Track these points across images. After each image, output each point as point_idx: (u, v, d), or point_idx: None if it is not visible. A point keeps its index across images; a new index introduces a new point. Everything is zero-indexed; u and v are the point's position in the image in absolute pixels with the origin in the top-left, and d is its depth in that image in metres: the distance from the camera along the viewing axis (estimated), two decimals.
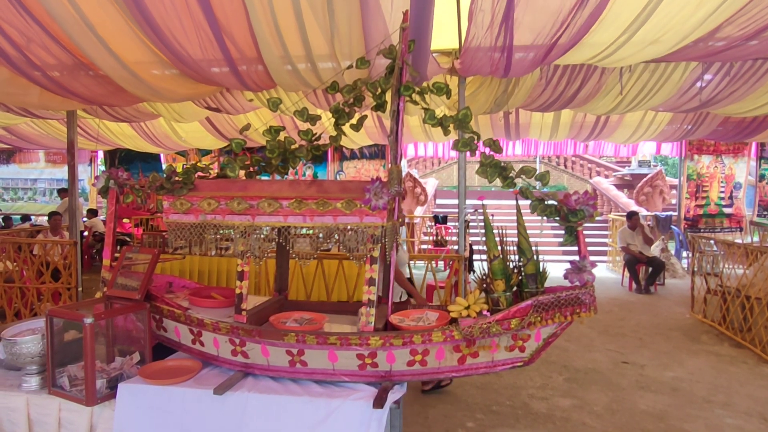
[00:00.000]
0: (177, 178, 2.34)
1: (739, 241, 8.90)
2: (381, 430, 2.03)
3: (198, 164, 2.42)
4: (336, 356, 2.17)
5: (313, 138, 2.66)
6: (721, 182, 10.76)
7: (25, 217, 12.88)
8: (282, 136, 2.60)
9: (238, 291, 2.31)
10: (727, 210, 10.79)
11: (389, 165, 2.25)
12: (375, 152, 11.84)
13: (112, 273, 2.50)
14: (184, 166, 2.37)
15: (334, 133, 2.73)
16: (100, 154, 13.81)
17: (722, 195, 10.78)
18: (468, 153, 2.35)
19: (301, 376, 2.25)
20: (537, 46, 3.68)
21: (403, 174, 2.24)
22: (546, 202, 2.19)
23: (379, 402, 2.05)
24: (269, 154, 2.56)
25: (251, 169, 2.76)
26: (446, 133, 2.44)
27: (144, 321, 2.39)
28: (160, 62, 4.02)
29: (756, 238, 10.53)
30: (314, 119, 2.60)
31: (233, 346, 2.28)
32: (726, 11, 3.27)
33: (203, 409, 2.14)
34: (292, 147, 2.64)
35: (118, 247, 2.66)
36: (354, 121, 2.68)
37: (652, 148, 11.89)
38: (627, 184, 15.85)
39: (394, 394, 2.14)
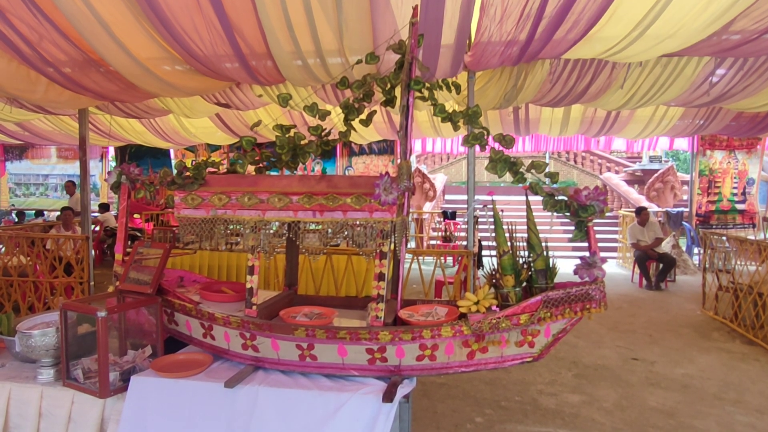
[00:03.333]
0: (188, 174, 2.36)
1: (751, 237, 8.81)
2: (390, 424, 2.04)
3: (208, 160, 2.43)
4: (345, 350, 2.19)
5: (323, 134, 2.66)
6: (734, 178, 10.62)
7: (39, 213, 13.05)
8: (292, 132, 2.61)
9: (248, 285, 2.32)
10: (739, 206, 10.66)
11: (398, 160, 2.25)
12: (384, 147, 11.84)
13: (125, 267, 2.53)
14: (194, 162, 2.39)
15: (343, 129, 2.74)
16: (111, 150, 13.92)
17: (735, 191, 10.65)
18: (477, 148, 2.35)
19: (310, 370, 2.26)
20: (544, 38, 3.65)
21: (412, 169, 2.24)
22: (556, 198, 2.18)
23: (388, 396, 2.06)
24: (279, 150, 2.57)
25: (261, 164, 2.77)
26: (456, 128, 2.44)
27: (156, 315, 2.42)
28: (170, 58, 4.05)
29: None
30: (324, 115, 2.61)
31: (244, 340, 2.29)
32: (739, 5, 3.23)
33: (214, 402, 2.17)
34: (302, 143, 2.64)
35: (130, 242, 2.70)
36: (363, 116, 2.68)
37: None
38: (638, 180, 15.72)
39: (404, 389, 2.15)
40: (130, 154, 12.64)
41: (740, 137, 10.15)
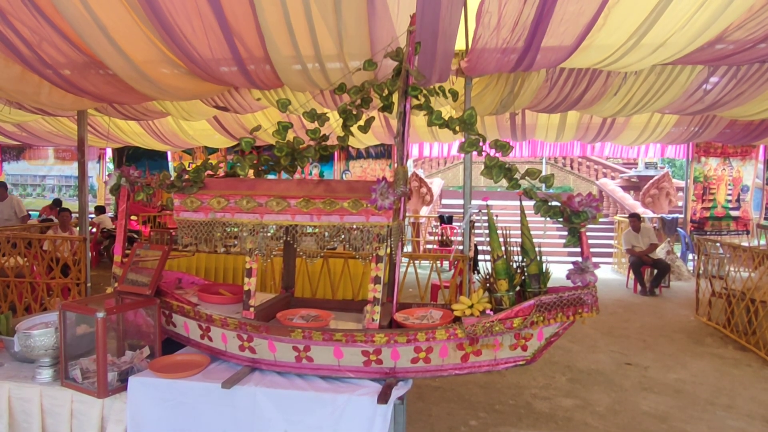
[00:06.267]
0: (187, 177, 2.39)
1: (745, 244, 8.88)
2: (386, 425, 2.07)
3: (208, 163, 2.46)
4: (341, 353, 2.22)
5: (321, 138, 2.70)
6: (729, 185, 10.71)
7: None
8: (291, 136, 2.64)
9: (246, 288, 2.35)
10: (733, 213, 10.74)
11: (395, 165, 2.29)
12: (381, 152, 11.88)
13: (123, 269, 2.55)
14: (191, 165, 2.42)
15: (341, 134, 2.77)
16: (109, 152, 13.92)
17: (729, 198, 10.73)
18: (474, 153, 2.38)
19: (307, 371, 2.29)
20: (539, 47, 3.70)
21: (409, 174, 2.27)
22: (550, 203, 2.22)
23: (383, 398, 2.09)
24: (278, 152, 2.60)
25: (259, 168, 2.80)
26: (455, 132, 2.47)
27: (154, 316, 2.44)
28: (169, 61, 4.08)
29: (762, 242, 10.48)
30: (322, 120, 2.64)
31: (241, 341, 2.32)
32: (732, 14, 3.28)
33: (211, 403, 2.19)
34: (301, 147, 2.68)
35: (127, 244, 2.72)
36: (362, 122, 2.72)
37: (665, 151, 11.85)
38: (633, 186, 15.80)
39: (398, 391, 2.18)
40: (128, 156, 12.64)
41: (734, 144, 10.25)
